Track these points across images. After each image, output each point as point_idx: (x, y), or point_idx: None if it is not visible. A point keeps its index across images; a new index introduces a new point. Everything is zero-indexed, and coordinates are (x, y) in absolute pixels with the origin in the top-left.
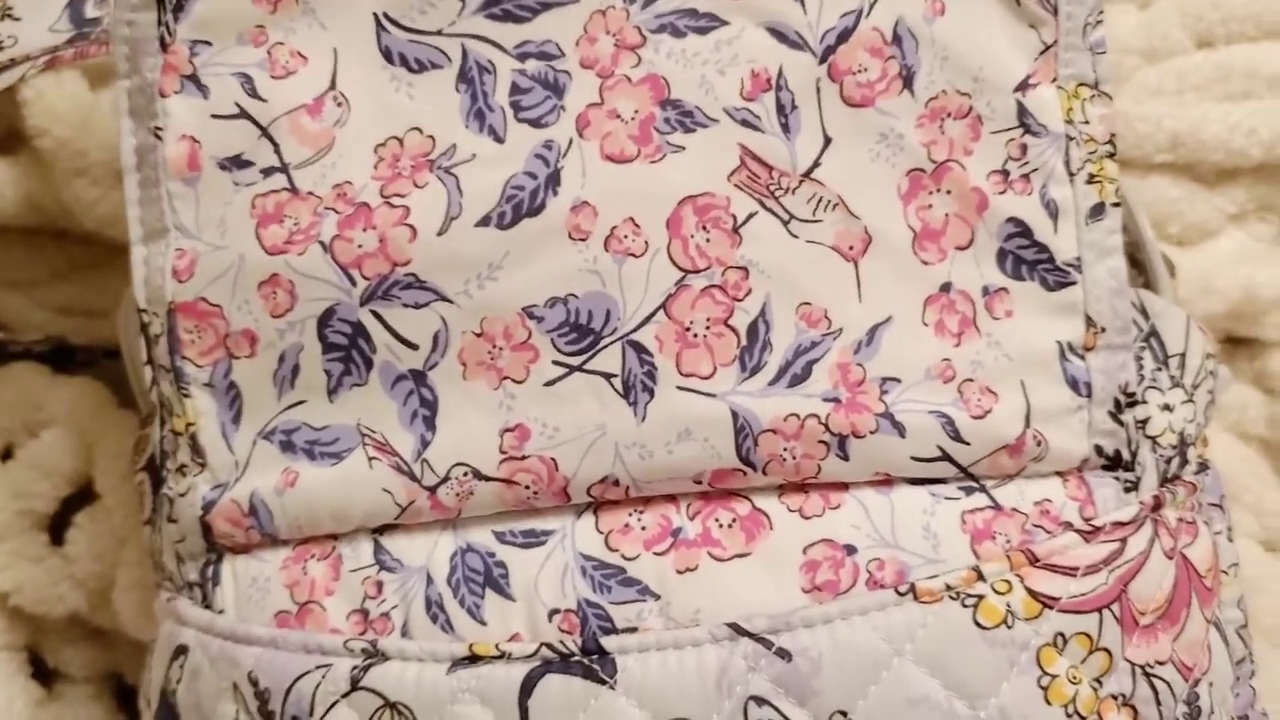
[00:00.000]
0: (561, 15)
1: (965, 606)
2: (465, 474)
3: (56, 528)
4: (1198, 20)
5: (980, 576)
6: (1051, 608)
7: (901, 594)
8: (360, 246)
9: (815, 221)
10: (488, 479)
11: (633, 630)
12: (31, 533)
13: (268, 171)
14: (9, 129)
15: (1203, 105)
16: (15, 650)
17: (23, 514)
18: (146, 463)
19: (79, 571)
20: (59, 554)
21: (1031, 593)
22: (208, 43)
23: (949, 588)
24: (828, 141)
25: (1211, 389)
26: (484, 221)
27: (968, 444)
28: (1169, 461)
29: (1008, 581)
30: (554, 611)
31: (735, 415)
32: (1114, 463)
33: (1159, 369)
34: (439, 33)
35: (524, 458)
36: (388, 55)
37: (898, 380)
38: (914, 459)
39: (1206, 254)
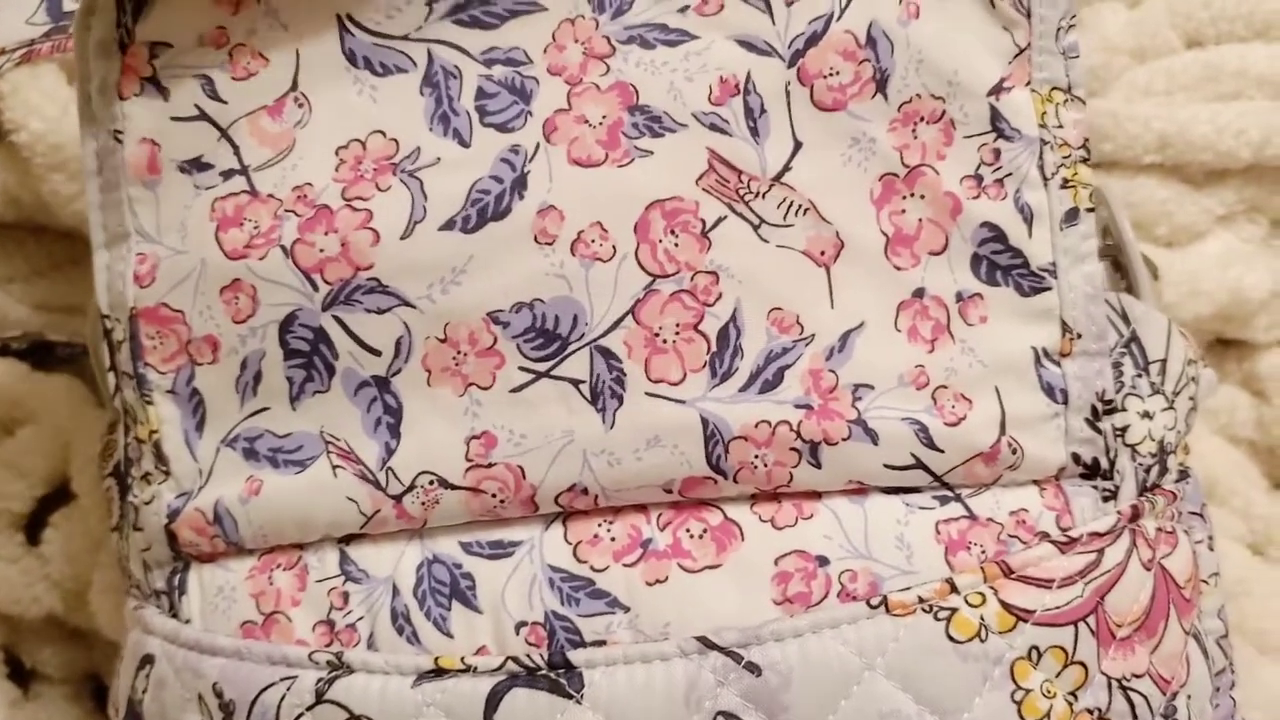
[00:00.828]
0: (530, 23)
1: (938, 619)
2: (431, 482)
3: (32, 527)
4: (1187, 20)
5: (954, 589)
6: (1026, 620)
7: (873, 607)
8: (322, 250)
9: (786, 226)
10: (454, 487)
11: (601, 643)
12: (7, 533)
13: (227, 174)
14: None
15: (1192, 106)
16: None
17: None
18: (113, 469)
19: (55, 572)
20: (35, 554)
21: (1005, 605)
22: (168, 44)
23: (922, 600)
24: (798, 145)
25: (1193, 395)
26: (448, 225)
27: (941, 451)
28: (1148, 470)
29: (981, 594)
30: (521, 624)
31: (705, 422)
32: (1092, 471)
33: (1139, 375)
34: (405, 38)
35: (490, 465)
36: (351, 58)
37: (870, 387)
38: (887, 467)
39: (1195, 255)
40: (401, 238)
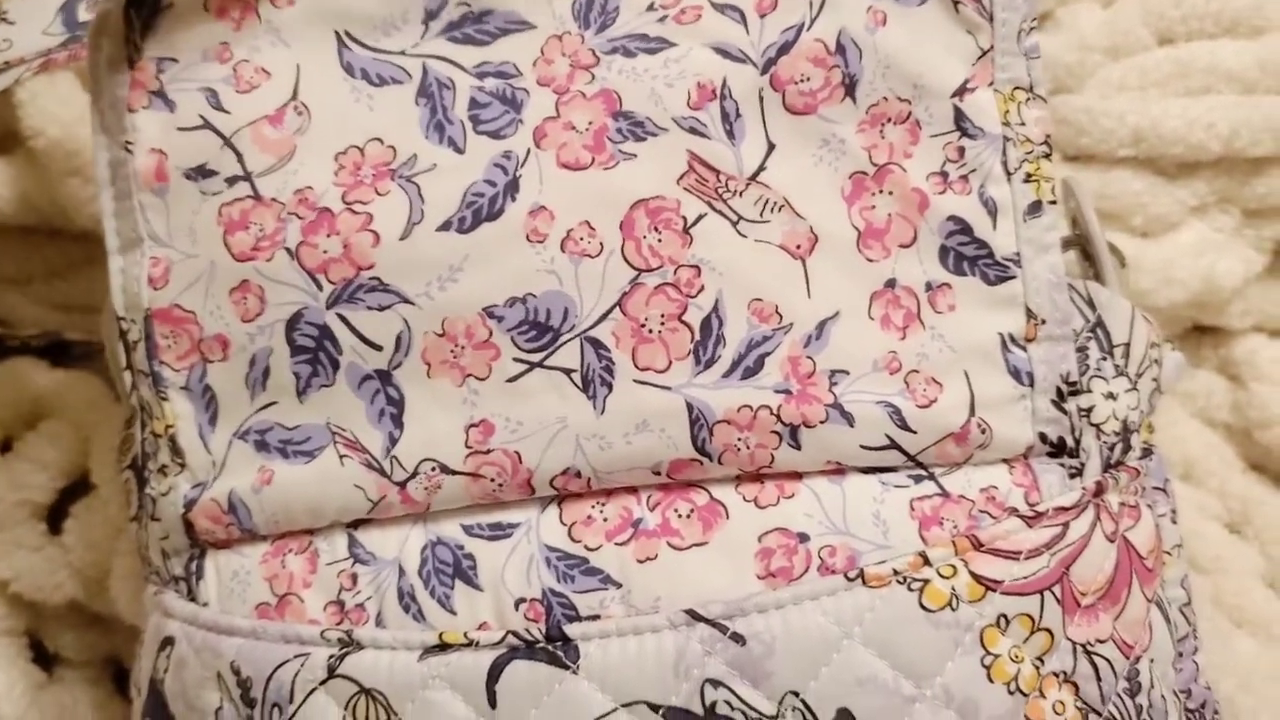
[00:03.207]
0: (520, 40)
1: (911, 590)
2: (433, 469)
3: (54, 518)
4: (1159, 18)
5: (926, 561)
6: (995, 590)
7: (851, 579)
8: (325, 252)
9: (763, 222)
10: (454, 473)
11: (595, 618)
12: (30, 523)
13: (232, 180)
14: (5, 130)
15: (1164, 101)
16: (16, 635)
17: (21, 504)
18: (131, 462)
19: (76, 560)
20: (57, 543)
21: (975, 576)
22: (174, 59)
23: (896, 573)
24: (771, 147)
25: (1156, 377)
26: (445, 226)
27: (915, 432)
28: (1112, 448)
29: (953, 566)
30: (520, 600)
31: (690, 407)
32: (1058, 450)
33: (1104, 358)
34: (401, 53)
35: (489, 451)
36: (349, 69)
37: (846, 372)
38: (863, 447)
39: (1169, 245)
40: (400, 238)
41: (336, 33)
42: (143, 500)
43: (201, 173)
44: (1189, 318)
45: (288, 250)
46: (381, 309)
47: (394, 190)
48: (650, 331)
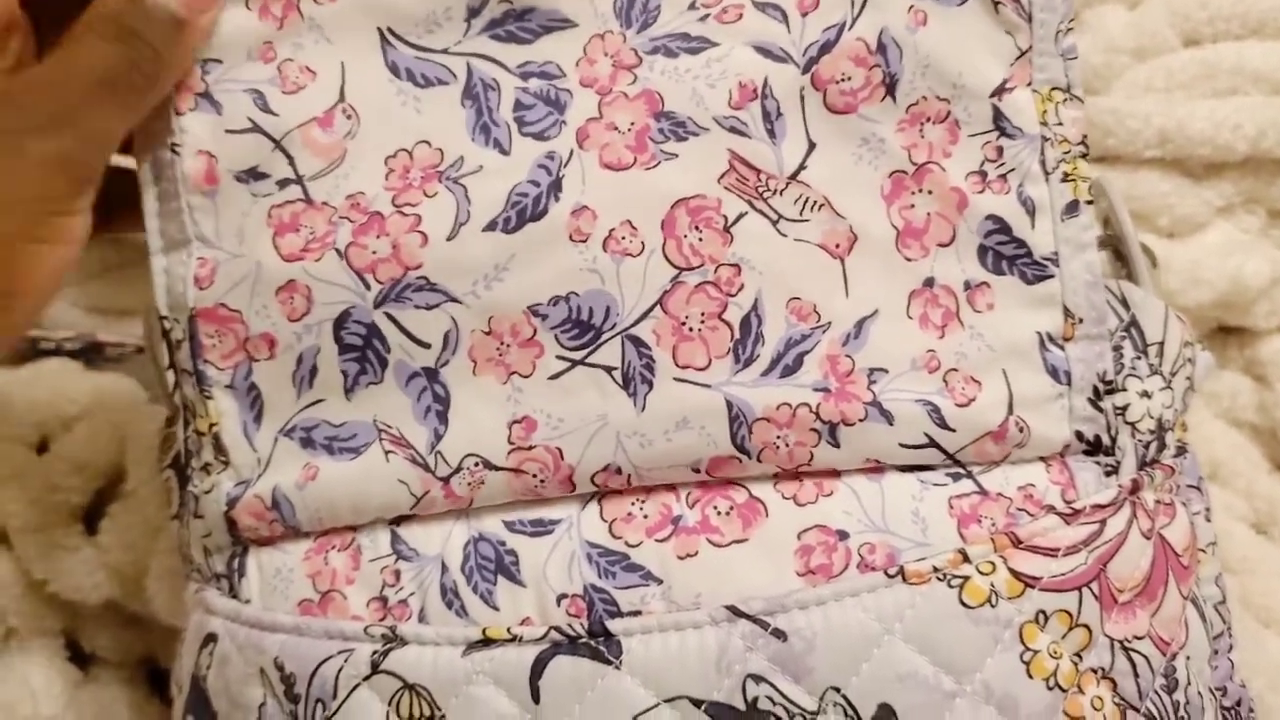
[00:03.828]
0: (562, 38)
1: (951, 587)
2: (476, 464)
3: (90, 518)
4: (1185, 19)
5: (966, 558)
6: (1033, 587)
7: (891, 576)
8: (374, 252)
9: (802, 221)
10: (497, 469)
11: (636, 614)
12: (67, 523)
13: (283, 183)
14: None
15: (1190, 102)
16: (53, 635)
17: (57, 505)
18: (172, 461)
19: (112, 560)
20: (93, 543)
21: (1014, 573)
22: (218, 60)
23: (936, 569)
24: (812, 146)
25: (1190, 375)
26: (490, 226)
27: (954, 431)
28: (1147, 446)
29: (992, 563)
30: (562, 596)
31: (730, 405)
32: (1094, 448)
33: (1138, 357)
34: (445, 51)
35: (531, 448)
36: (394, 70)
37: (885, 371)
38: (902, 445)
39: (1196, 246)
40: (448, 239)
41: (380, 29)
42: (184, 499)
43: (253, 175)
44: (1215, 318)
45: (337, 251)
46: (429, 308)
47: (442, 192)
48: (690, 330)
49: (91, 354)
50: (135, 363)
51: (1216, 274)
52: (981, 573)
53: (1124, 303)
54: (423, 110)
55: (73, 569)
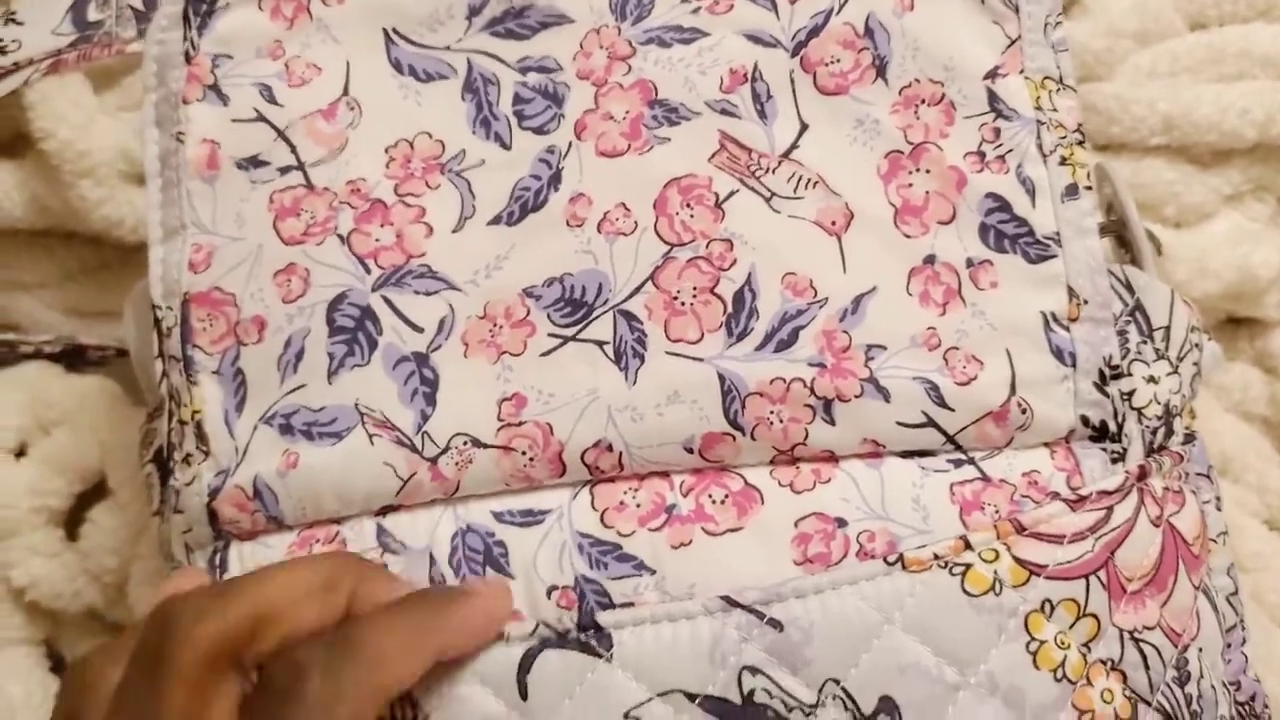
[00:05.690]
0: (559, 33)
1: (953, 575)
2: (465, 443)
3: (71, 523)
4: (1190, 2)
5: (968, 545)
6: (1039, 574)
7: (890, 564)
8: (378, 240)
9: (796, 199)
10: (486, 446)
11: (629, 605)
12: (46, 529)
13: (285, 169)
14: (15, 132)
15: (1196, 87)
16: (34, 644)
17: (37, 510)
18: (154, 455)
19: (94, 566)
20: (74, 549)
21: (1018, 560)
22: (229, 56)
23: (937, 557)
24: (804, 126)
25: (1197, 360)
26: (495, 220)
27: (952, 410)
28: (1155, 432)
29: (995, 550)
30: (552, 588)
31: (722, 379)
32: (1100, 434)
33: (1144, 342)
34: (446, 48)
35: (520, 424)
36: (397, 66)
37: (883, 347)
38: (900, 424)
39: (1203, 235)
40: (453, 231)
41: (385, 29)
42: (165, 494)
43: (254, 162)
44: (1224, 309)
45: (339, 236)
46: (429, 294)
47: (445, 184)
48: (682, 304)
49: (72, 357)
50: (117, 366)
51: (1224, 264)
52: (984, 560)
53: (1128, 287)
54: (424, 103)
55: (53, 575)
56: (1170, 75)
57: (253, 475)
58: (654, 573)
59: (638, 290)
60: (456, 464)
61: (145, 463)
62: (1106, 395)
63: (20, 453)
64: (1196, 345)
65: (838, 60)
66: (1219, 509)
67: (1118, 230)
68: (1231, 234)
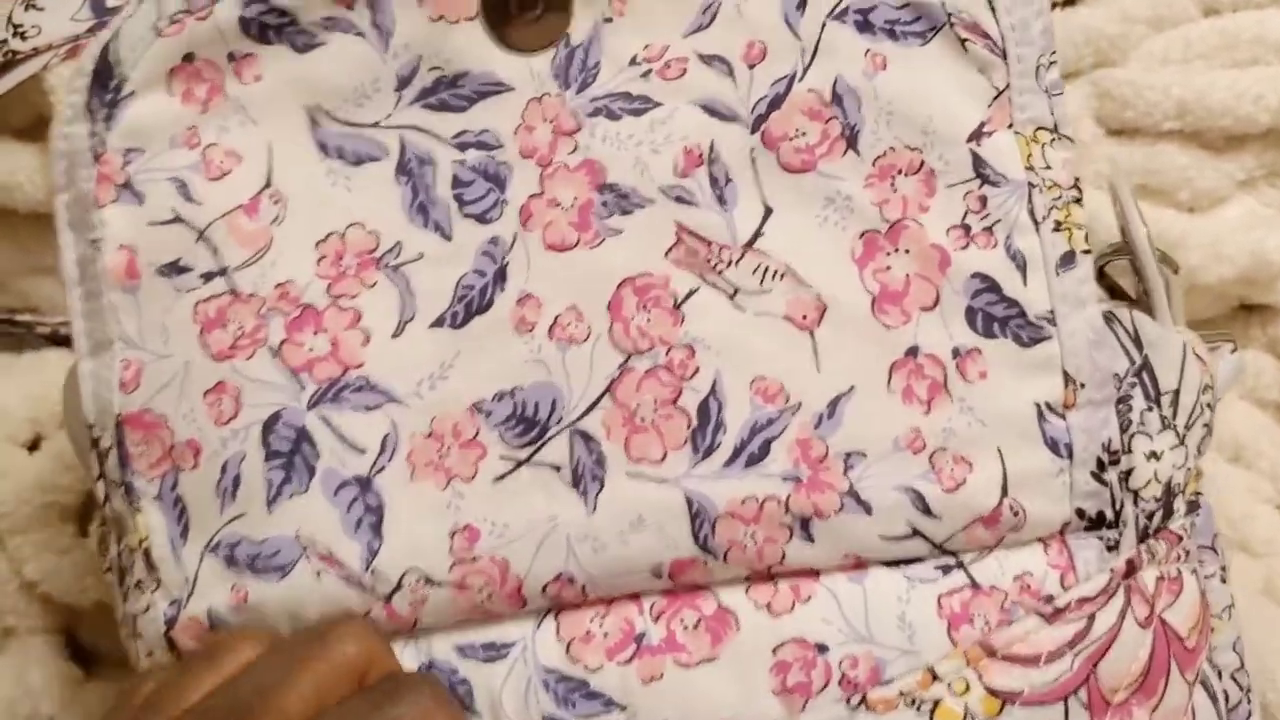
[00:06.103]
0: (498, 103)
1: (921, 712)
2: (418, 580)
3: (82, 519)
4: None
5: (936, 677)
6: (1013, 703)
7: (853, 706)
8: (311, 350)
9: (763, 292)
10: (439, 584)
11: None
12: (58, 524)
13: (207, 276)
14: (36, 116)
15: (1210, 73)
16: (52, 633)
17: (49, 505)
18: (109, 566)
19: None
20: (85, 545)
21: (990, 690)
22: (140, 150)
23: (903, 694)
24: (768, 211)
25: (1208, 422)
26: (438, 323)
27: (939, 518)
28: (1150, 516)
29: (965, 680)
30: None
31: (690, 501)
32: (1096, 523)
33: (1149, 409)
34: (375, 125)
35: (475, 559)
36: (323, 148)
37: (863, 454)
38: (884, 538)
39: (1216, 220)
40: (393, 336)
41: (306, 107)
42: (123, 615)
43: (175, 269)
44: (1237, 295)
45: (270, 348)
46: (369, 409)
47: (381, 282)
48: (643, 420)
49: None
50: None
51: (1238, 249)
52: (954, 693)
53: (1136, 341)
54: (354, 189)
55: (64, 571)
56: (1184, 61)
57: (205, 608)
58: (624, 709)
59: (593, 406)
60: (411, 603)
61: (104, 571)
62: (1104, 484)
63: (33, 446)
64: (1208, 405)
65: (803, 134)
66: (1224, 580)
67: (1129, 254)
68: (1245, 219)
